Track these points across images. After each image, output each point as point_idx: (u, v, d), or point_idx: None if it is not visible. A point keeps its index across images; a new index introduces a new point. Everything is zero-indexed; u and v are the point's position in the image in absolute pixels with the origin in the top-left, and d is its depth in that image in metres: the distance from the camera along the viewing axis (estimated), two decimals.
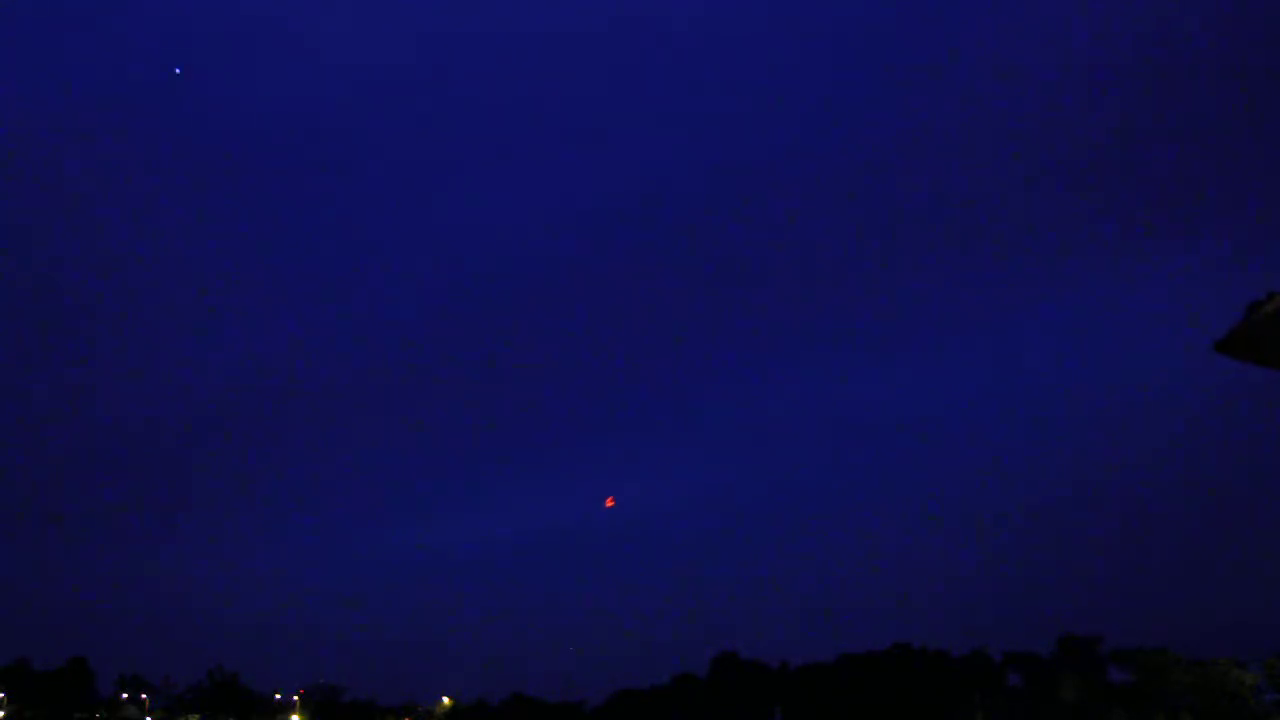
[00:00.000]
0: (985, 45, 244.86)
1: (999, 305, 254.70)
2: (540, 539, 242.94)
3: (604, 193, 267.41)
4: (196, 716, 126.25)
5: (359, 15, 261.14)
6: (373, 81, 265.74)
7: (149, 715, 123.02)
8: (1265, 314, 6.07)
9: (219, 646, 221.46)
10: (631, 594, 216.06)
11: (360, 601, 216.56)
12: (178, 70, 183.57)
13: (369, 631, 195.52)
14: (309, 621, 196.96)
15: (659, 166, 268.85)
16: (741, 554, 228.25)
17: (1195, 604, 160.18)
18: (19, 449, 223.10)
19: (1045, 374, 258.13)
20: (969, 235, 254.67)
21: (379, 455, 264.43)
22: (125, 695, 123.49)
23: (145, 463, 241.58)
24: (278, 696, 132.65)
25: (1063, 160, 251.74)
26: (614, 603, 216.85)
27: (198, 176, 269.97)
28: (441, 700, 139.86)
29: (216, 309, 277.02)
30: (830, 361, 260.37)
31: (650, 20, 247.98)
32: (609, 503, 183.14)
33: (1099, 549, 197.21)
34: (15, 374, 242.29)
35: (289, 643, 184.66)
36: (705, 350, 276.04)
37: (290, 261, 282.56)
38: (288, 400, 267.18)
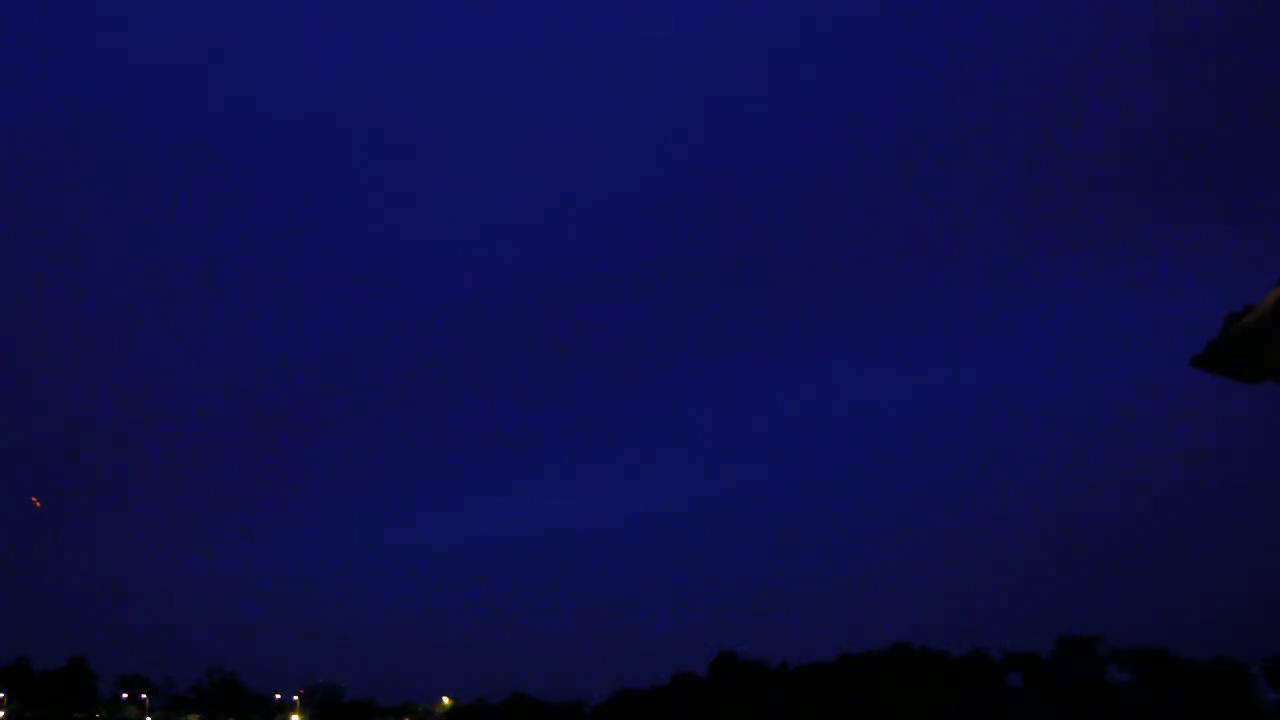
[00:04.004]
0: (984, 48, 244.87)
1: (999, 307, 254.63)
2: (541, 539, 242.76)
3: (606, 195, 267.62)
4: (196, 716, 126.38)
5: (369, 17, 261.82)
6: (365, 83, 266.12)
7: (149, 715, 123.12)
8: (1241, 327, 5.98)
9: (219, 646, 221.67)
10: (631, 594, 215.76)
11: (360, 601, 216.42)
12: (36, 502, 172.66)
13: (369, 631, 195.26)
14: (309, 621, 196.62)
15: (653, 171, 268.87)
16: (741, 554, 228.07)
17: (1195, 604, 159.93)
18: (19, 448, 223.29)
19: (1045, 374, 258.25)
20: (968, 238, 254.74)
21: (378, 456, 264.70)
22: (125, 695, 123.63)
23: (146, 463, 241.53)
24: (278, 696, 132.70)
25: (1058, 167, 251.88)
26: (614, 603, 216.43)
27: (204, 175, 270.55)
28: (441, 700, 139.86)
29: (218, 311, 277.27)
30: (831, 364, 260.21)
31: (649, 23, 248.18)
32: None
33: (1099, 549, 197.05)
34: (16, 373, 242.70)
35: (289, 643, 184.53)
36: (707, 352, 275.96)
37: (287, 265, 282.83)
38: (288, 401, 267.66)
